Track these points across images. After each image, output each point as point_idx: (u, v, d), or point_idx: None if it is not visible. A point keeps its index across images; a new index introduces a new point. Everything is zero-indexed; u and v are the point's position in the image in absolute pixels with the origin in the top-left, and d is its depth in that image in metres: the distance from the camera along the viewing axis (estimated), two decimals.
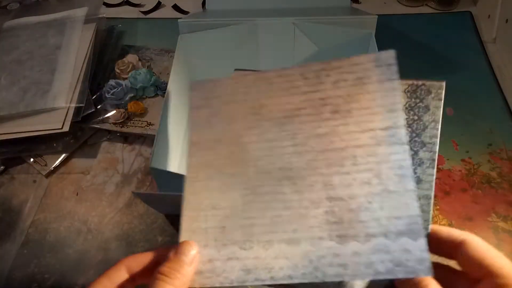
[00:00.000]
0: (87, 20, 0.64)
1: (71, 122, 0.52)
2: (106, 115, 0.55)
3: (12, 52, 0.61)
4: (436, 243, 0.27)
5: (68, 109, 0.53)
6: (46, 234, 0.47)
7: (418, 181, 0.28)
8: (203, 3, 0.69)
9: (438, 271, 0.24)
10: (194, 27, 0.52)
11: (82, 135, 0.55)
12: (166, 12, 0.72)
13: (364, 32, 0.51)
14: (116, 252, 0.45)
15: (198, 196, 0.30)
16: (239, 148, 0.31)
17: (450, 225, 0.44)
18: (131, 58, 0.62)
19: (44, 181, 0.52)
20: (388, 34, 0.63)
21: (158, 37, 0.66)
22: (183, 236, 0.28)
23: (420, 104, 0.29)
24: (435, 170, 0.28)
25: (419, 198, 0.27)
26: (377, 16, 0.51)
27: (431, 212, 0.27)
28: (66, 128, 0.51)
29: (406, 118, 0.29)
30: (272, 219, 0.28)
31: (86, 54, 0.59)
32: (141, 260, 0.26)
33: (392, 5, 0.70)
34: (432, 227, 0.27)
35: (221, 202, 0.29)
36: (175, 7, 0.72)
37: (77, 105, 0.54)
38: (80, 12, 0.66)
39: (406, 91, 0.29)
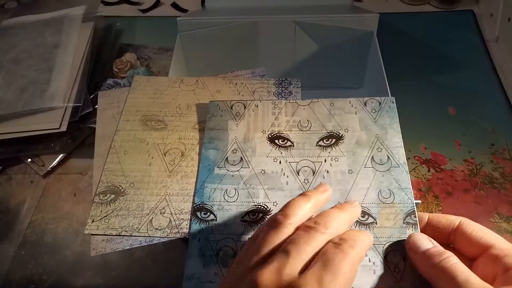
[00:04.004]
0: (85, 19, 0.64)
1: (69, 121, 0.52)
2: None
3: (10, 51, 0.61)
4: (433, 230, 0.30)
5: (65, 109, 0.53)
6: (43, 235, 0.46)
7: None
8: (202, 1, 0.69)
9: None
10: (193, 26, 0.52)
11: (79, 135, 0.54)
12: (165, 10, 0.72)
13: (365, 31, 0.51)
14: (114, 254, 0.45)
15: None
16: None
17: None
18: (129, 57, 0.62)
19: (42, 182, 0.51)
20: (390, 32, 0.63)
21: (157, 36, 0.66)
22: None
23: (285, 90, 0.42)
24: None
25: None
26: (378, 15, 0.50)
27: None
28: (63, 128, 0.51)
29: (281, 98, 0.41)
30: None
31: (84, 53, 0.58)
32: None
33: (394, 3, 0.69)
34: (429, 215, 0.30)
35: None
36: (174, 5, 0.72)
37: (75, 104, 0.53)
38: (78, 11, 0.65)
39: (274, 83, 0.42)
